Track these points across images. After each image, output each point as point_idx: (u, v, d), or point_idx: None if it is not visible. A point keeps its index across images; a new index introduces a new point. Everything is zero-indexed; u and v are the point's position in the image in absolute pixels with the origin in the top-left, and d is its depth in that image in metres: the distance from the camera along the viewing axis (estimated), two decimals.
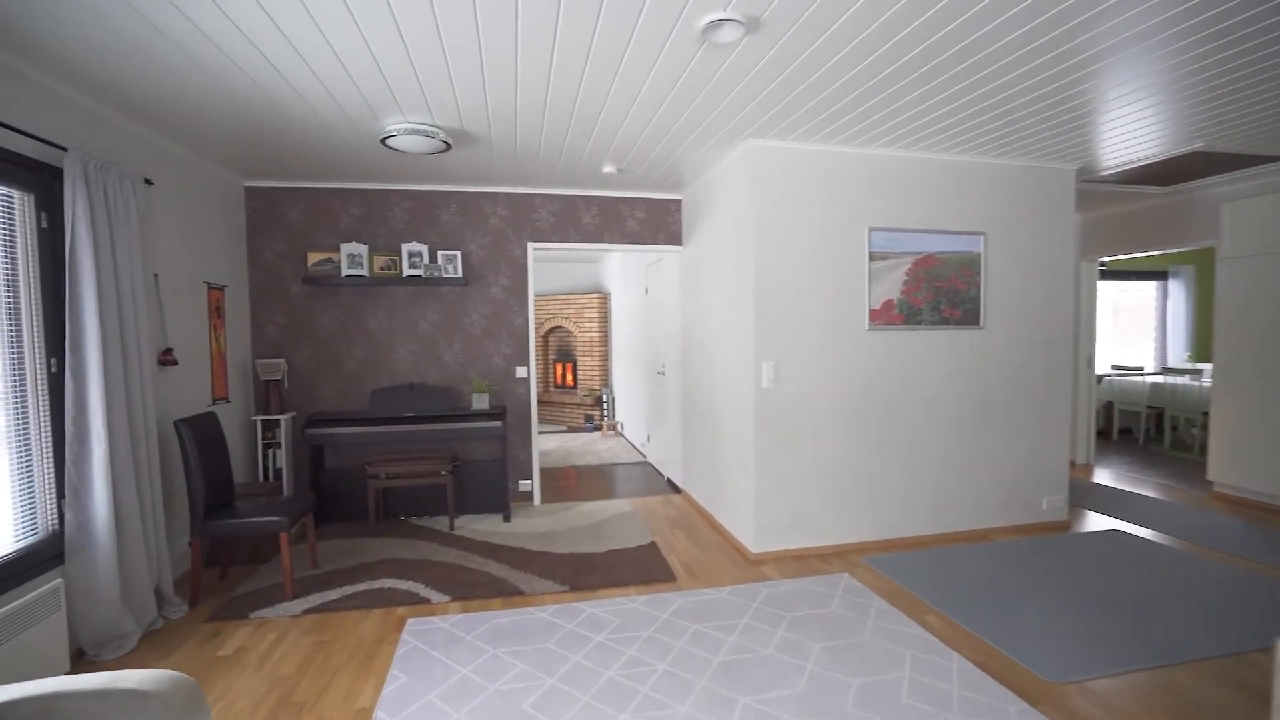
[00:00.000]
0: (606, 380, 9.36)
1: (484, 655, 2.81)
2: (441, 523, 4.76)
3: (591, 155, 4.12)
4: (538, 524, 4.69)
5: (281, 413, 4.66)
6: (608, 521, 4.73)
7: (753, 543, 3.95)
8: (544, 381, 9.95)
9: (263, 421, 4.57)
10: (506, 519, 4.78)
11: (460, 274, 4.84)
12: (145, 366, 3.14)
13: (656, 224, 5.31)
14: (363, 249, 4.71)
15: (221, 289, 4.32)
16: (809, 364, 3.96)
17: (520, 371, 5.12)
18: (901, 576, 3.62)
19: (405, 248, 4.76)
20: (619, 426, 8.72)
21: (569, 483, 6.02)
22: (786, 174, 3.88)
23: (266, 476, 4.59)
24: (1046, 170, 4.36)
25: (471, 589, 3.51)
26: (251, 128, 3.49)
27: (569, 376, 9.79)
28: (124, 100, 3.03)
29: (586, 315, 9.34)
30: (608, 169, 4.43)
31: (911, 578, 3.60)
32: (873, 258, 4.06)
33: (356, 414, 4.70)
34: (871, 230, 4.05)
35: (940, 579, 3.57)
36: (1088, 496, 5.19)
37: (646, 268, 6.78)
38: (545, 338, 9.92)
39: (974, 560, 3.85)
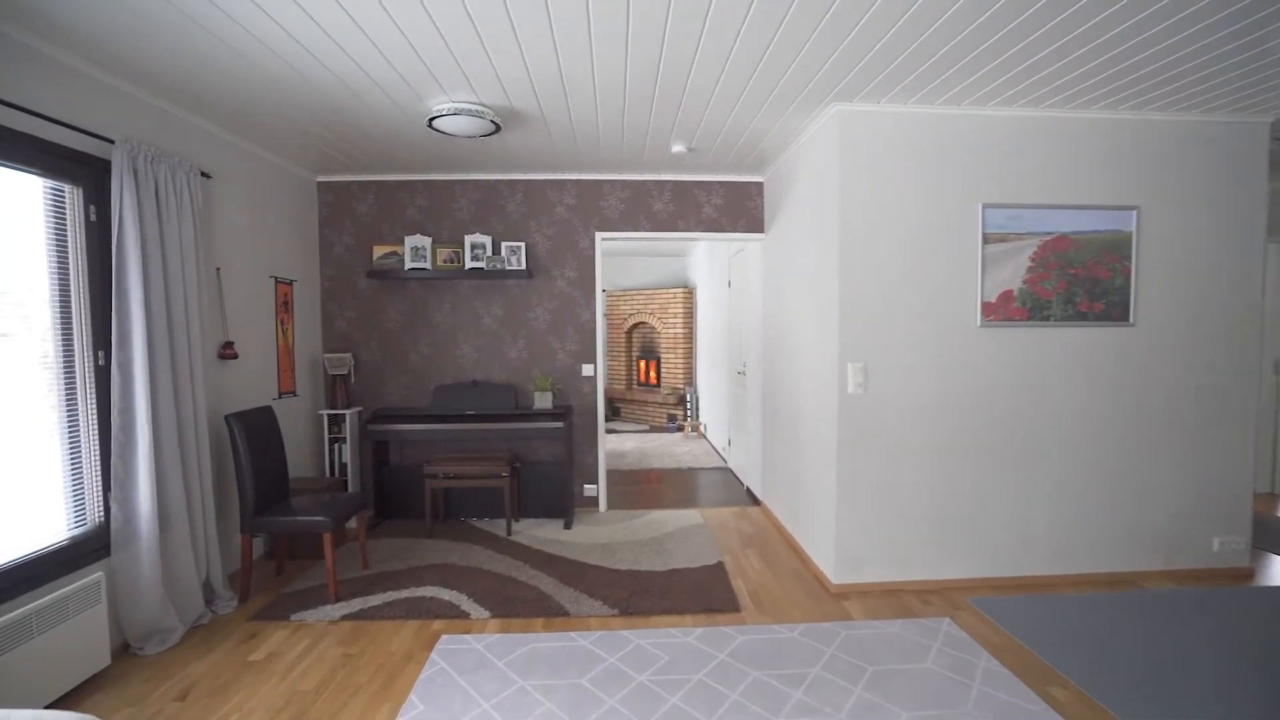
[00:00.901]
0: (690, 379, 8.95)
1: (511, 687, 2.51)
2: (501, 526, 4.57)
3: (656, 133, 3.73)
4: (599, 533, 4.38)
5: (347, 407, 4.65)
6: (675, 535, 4.33)
7: (834, 571, 3.41)
8: (626, 379, 9.69)
9: (329, 416, 4.58)
10: (567, 525, 4.51)
11: (524, 266, 4.62)
12: (198, 360, 3.12)
13: (736, 209, 4.83)
14: (426, 241, 4.60)
15: (290, 283, 4.35)
16: (906, 366, 3.35)
17: (586, 369, 4.83)
18: (1019, 627, 2.95)
19: (468, 239, 4.60)
20: (702, 428, 8.28)
21: (641, 487, 5.68)
22: (880, 142, 3.29)
23: (333, 471, 4.60)
24: (1227, 126, 3.45)
25: (514, 605, 3.25)
26: (306, 118, 3.41)
27: (652, 374, 9.47)
28: (176, 90, 3.00)
29: (670, 311, 8.97)
30: (677, 148, 4.02)
31: (1032, 630, 2.93)
32: (987, 240, 3.38)
33: (418, 410, 4.61)
34: (986, 207, 3.36)
35: (1071, 635, 2.88)
36: (1277, 537, 4.15)
37: (729, 259, 6.30)
38: (628, 334, 9.66)
39: (1118, 613, 3.10)
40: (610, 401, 9.81)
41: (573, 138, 3.82)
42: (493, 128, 3.39)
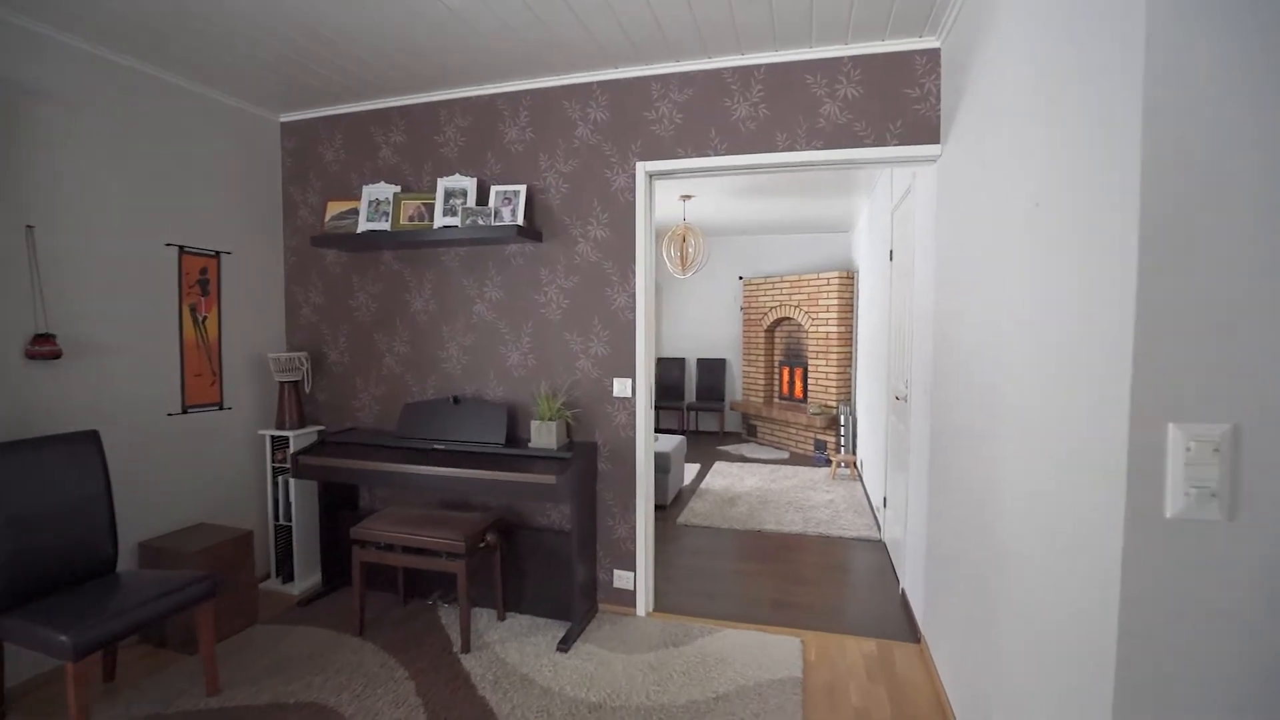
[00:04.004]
0: (849, 394, 6.60)
1: None
2: (481, 620, 2.95)
3: None
4: (612, 672, 2.55)
5: (301, 426, 3.37)
6: (738, 697, 2.35)
7: None
8: (765, 390, 7.58)
9: (271, 439, 3.33)
10: (565, 645, 2.73)
11: (520, 220, 2.93)
12: None
13: (884, 105, 2.65)
14: (389, 192, 3.13)
15: (215, 256, 3.15)
16: None
17: (620, 387, 3.00)
18: None
19: (442, 183, 3.04)
20: (858, 465, 5.92)
21: (732, 568, 3.69)
22: None
23: (278, 515, 3.35)
24: None
25: None
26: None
27: (797, 385, 7.26)
28: None
29: (821, 303, 6.70)
30: None
31: None
32: None
33: (373, 439, 3.15)
34: None
35: None
36: None
37: (892, 209, 4.00)
38: (769, 332, 7.54)
39: None
40: (745, 418, 7.77)
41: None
42: None
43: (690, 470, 6.00)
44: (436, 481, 2.82)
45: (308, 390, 3.46)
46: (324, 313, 3.50)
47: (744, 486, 5.49)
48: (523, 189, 2.96)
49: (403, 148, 3.30)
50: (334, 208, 3.26)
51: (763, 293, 7.40)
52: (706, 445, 7.31)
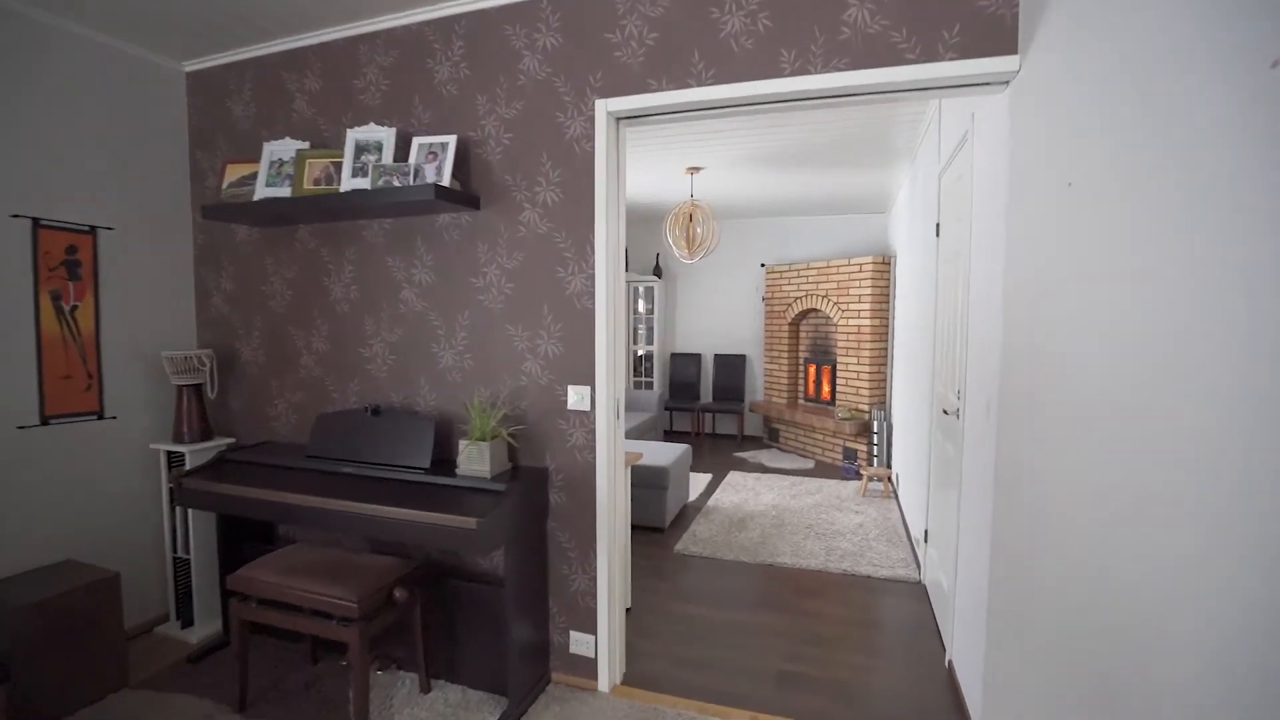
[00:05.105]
0: (883, 397, 5.79)
1: None
2: (399, 691, 2.31)
3: None
4: None
5: (204, 438, 2.77)
6: None
7: None
8: (789, 389, 6.80)
9: (169, 455, 2.74)
10: None
11: (441, 179, 2.25)
12: None
13: (932, 6, 1.88)
14: (290, 150, 2.50)
15: (90, 232, 2.57)
16: None
17: (575, 397, 2.31)
18: None
19: (353, 135, 2.38)
20: (893, 480, 5.12)
21: (733, 619, 2.98)
22: None
23: (176, 548, 2.77)
24: None
25: None
26: None
27: (824, 386, 6.47)
28: None
29: (853, 292, 5.89)
30: None
31: None
32: None
33: (279, 456, 2.53)
34: None
35: None
36: None
37: (939, 173, 3.21)
38: (794, 325, 6.75)
39: None
40: (766, 421, 7.00)
41: None
42: None
43: (699, 482, 5.29)
44: (335, 519, 2.18)
45: (212, 395, 2.86)
46: (236, 302, 2.90)
47: (759, 503, 4.75)
48: (451, 140, 2.29)
49: (319, 97, 2.66)
50: (233, 171, 2.64)
51: (787, 281, 6.61)
52: (722, 451, 6.57)
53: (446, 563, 2.49)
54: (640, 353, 7.53)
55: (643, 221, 7.10)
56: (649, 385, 7.46)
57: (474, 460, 2.22)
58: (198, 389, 2.78)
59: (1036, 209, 1.59)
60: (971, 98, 2.19)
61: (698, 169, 4.76)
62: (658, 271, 7.41)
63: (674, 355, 7.52)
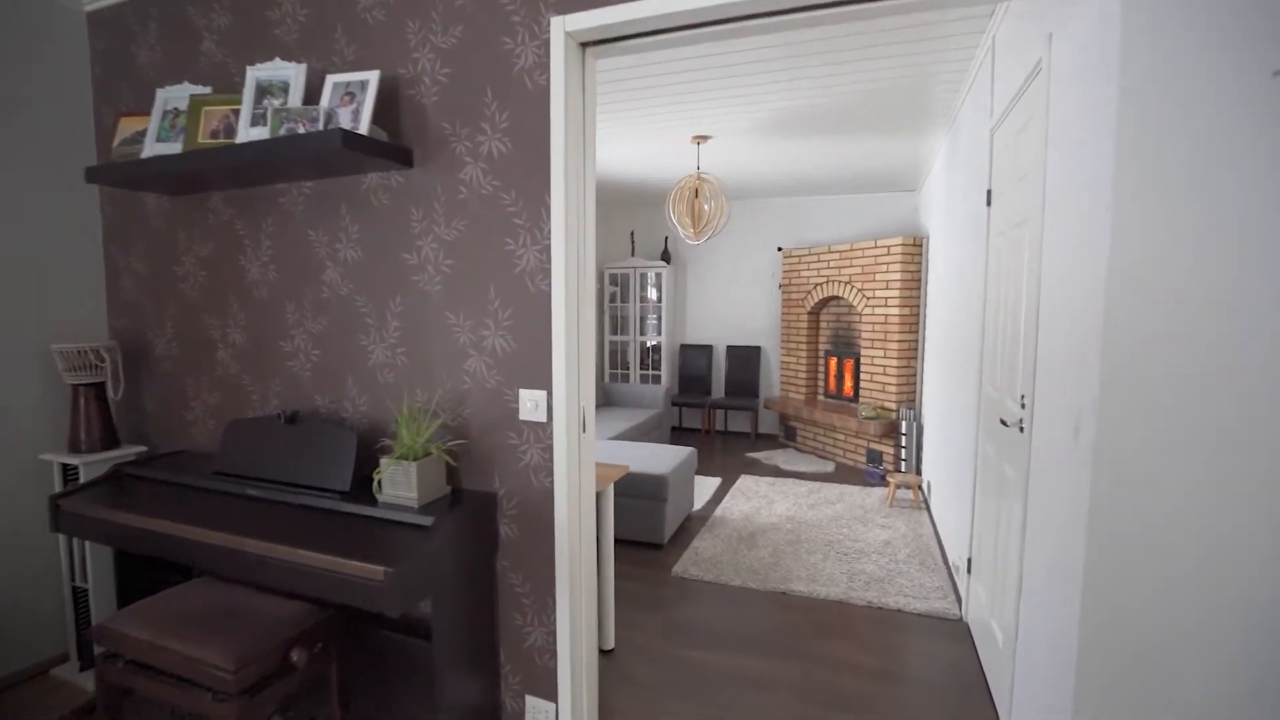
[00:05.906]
0: (913, 395, 5.22)
1: None
2: None
3: None
4: None
5: (106, 447, 2.34)
6: None
7: None
8: (808, 384, 6.25)
9: (62, 467, 2.32)
10: None
11: (359, 125, 1.76)
12: None
13: None
14: (183, 96, 2.03)
15: None
16: None
17: (529, 404, 1.81)
18: None
19: (253, 74, 1.90)
20: (924, 489, 4.56)
21: (733, 667, 2.48)
22: None
23: (74, 575, 2.35)
24: None
25: None
26: None
27: (847, 381, 5.91)
28: None
29: (879, 278, 5.31)
30: None
31: None
32: None
33: (183, 471, 2.08)
34: None
35: None
36: None
37: (992, 128, 2.63)
38: (814, 314, 6.19)
39: None
40: (783, 419, 6.46)
41: None
42: None
43: (706, 487, 4.78)
44: (224, 559, 1.72)
45: (116, 396, 2.42)
46: (148, 286, 2.46)
47: (772, 514, 4.23)
48: (372, 77, 1.79)
49: (229, 35, 2.18)
50: (126, 126, 2.18)
51: (806, 266, 6.04)
52: (734, 451, 6.05)
53: (358, 616, 2.03)
54: (649, 344, 7.02)
55: (649, 201, 6.56)
56: (656, 379, 6.95)
57: (398, 484, 1.74)
58: (98, 388, 2.34)
59: (1186, 130, 1.05)
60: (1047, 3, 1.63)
61: (705, 138, 4.22)
62: (666, 257, 6.88)
63: (683, 347, 7.00)
